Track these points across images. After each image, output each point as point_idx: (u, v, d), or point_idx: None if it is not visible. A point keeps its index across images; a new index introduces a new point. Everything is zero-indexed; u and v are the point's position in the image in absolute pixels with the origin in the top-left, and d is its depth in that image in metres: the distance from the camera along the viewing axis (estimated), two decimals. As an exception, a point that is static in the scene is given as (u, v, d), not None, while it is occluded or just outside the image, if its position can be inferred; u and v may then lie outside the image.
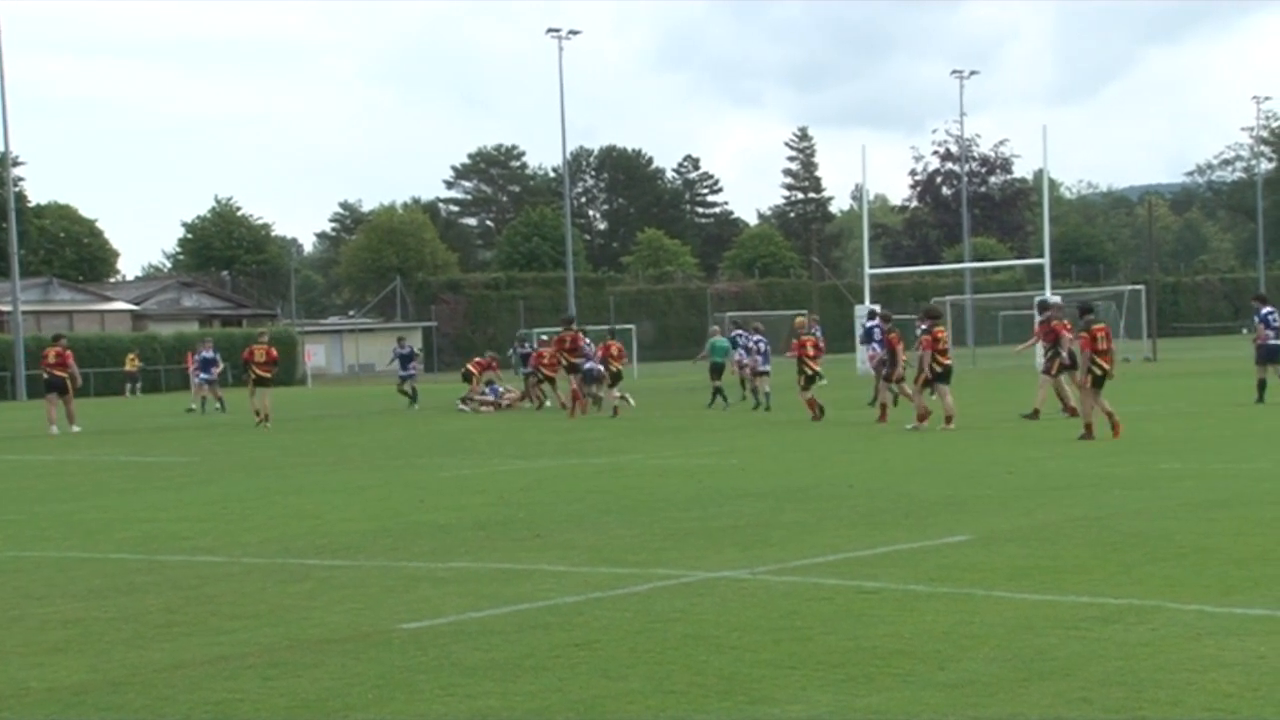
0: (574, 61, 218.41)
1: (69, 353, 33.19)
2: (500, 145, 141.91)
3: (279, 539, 12.78)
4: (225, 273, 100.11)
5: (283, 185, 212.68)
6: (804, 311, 46.36)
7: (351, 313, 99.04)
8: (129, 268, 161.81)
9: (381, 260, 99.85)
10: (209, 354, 42.45)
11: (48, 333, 68.88)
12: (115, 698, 7.02)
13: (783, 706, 6.45)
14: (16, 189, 77.52)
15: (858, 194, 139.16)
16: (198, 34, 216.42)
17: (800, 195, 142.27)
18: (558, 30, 76.82)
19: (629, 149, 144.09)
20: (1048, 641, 7.57)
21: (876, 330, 30.66)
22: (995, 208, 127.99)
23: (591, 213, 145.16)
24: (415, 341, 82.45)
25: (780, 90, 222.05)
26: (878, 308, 40.38)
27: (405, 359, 41.12)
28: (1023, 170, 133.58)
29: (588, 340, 33.93)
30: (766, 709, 6.42)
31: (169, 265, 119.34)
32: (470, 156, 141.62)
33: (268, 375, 33.32)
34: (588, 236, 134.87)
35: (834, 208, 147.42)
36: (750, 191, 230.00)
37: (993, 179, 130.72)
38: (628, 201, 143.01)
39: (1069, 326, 24.55)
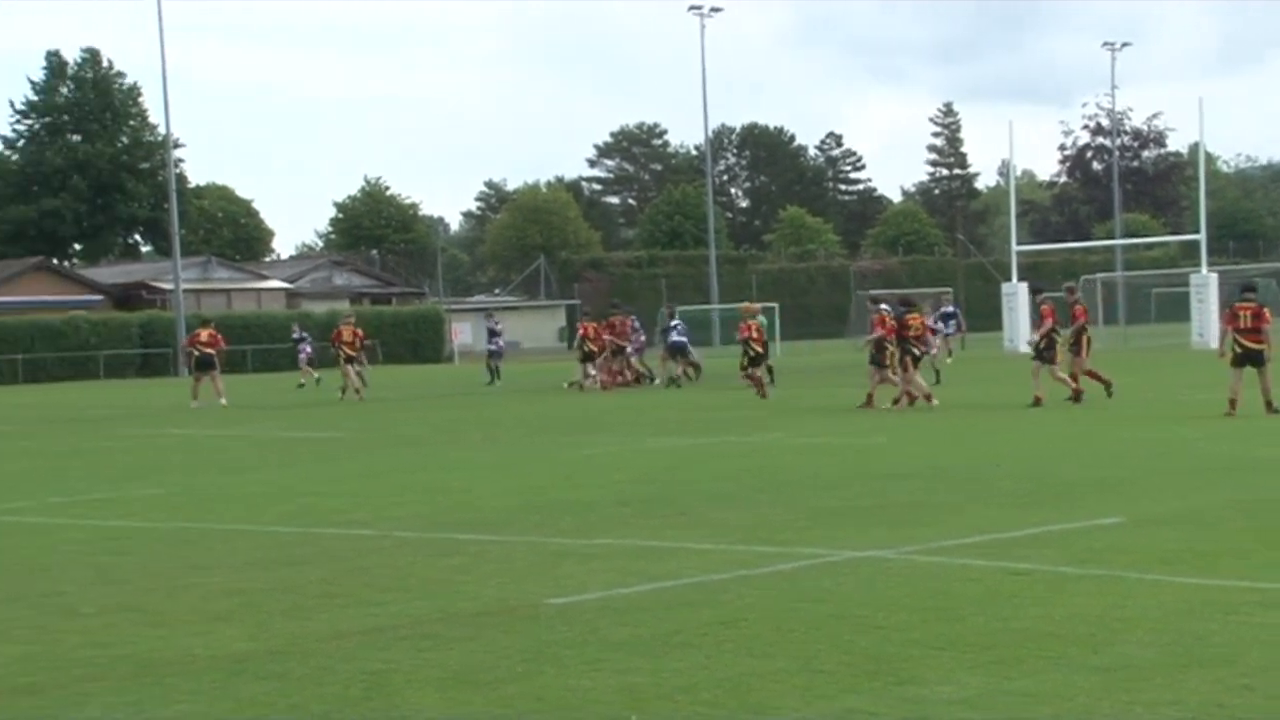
0: (715, 39, 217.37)
1: (219, 334, 35.29)
2: (642, 124, 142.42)
3: (429, 514, 12.97)
4: (374, 251, 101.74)
5: (430, 165, 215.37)
6: (745, 301, 47.61)
7: (497, 290, 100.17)
8: (283, 247, 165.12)
9: (526, 239, 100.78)
10: (300, 335, 45.41)
11: (207, 310, 71.07)
12: (275, 666, 7.19)
13: (931, 687, 6.38)
14: (177, 170, 79.40)
15: (1004, 170, 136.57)
16: (346, 18, 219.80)
17: (945, 172, 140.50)
18: (699, 8, 76.67)
19: (771, 126, 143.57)
20: (1206, 627, 7.38)
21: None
22: (1148, 182, 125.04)
23: (733, 190, 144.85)
24: (559, 319, 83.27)
25: (924, 65, 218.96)
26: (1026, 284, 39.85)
27: (493, 335, 42.00)
28: (1177, 144, 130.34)
29: (636, 323, 37.05)
30: (915, 689, 6.36)
31: (321, 244, 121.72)
32: (613, 135, 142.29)
33: (354, 353, 34.81)
34: (729, 214, 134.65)
35: (979, 184, 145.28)
36: (894, 168, 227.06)
37: (1145, 153, 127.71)
38: (770, 179, 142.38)
39: (1050, 313, 24.25)
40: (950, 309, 44.79)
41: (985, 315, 66.32)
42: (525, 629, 7.84)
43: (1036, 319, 25.13)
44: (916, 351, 25.17)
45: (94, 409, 35.88)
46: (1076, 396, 24.09)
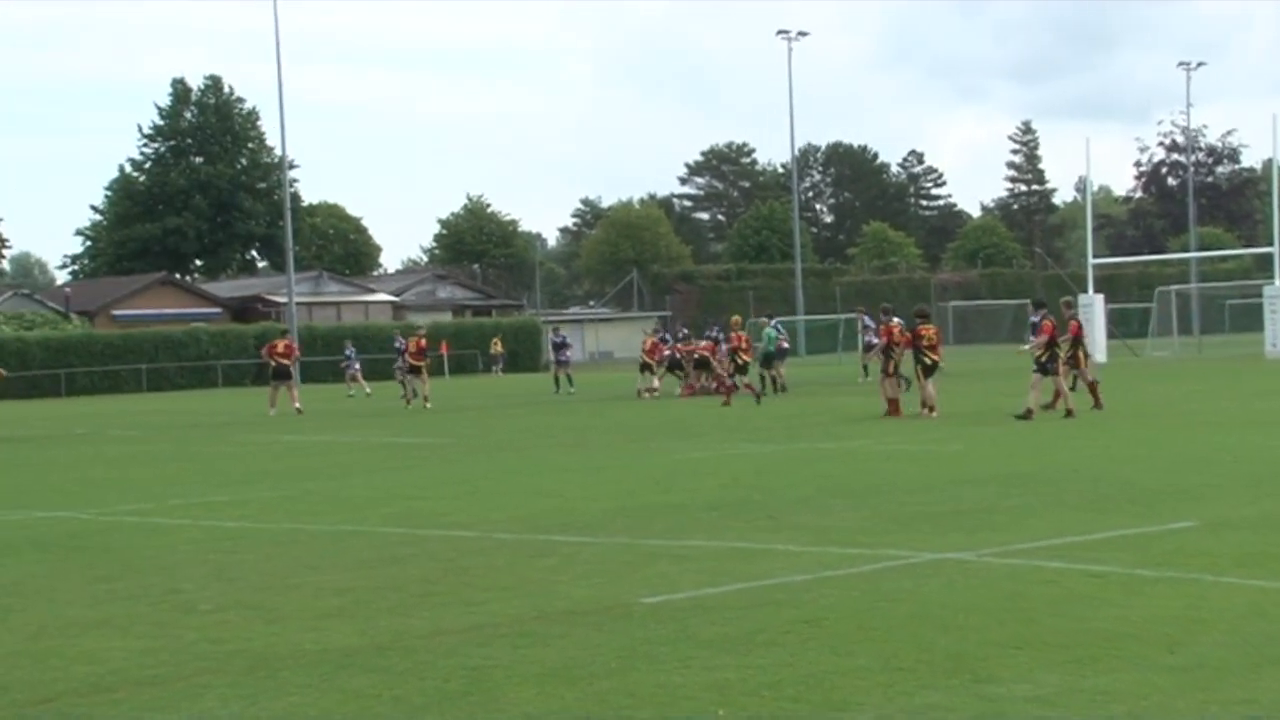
0: (802, 61, 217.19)
1: (296, 347, 36.58)
2: (731, 143, 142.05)
3: (526, 516, 13.03)
4: (476, 265, 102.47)
5: (528, 183, 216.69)
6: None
7: (591, 303, 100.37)
8: (390, 261, 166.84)
9: (619, 253, 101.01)
10: (349, 351, 46.92)
11: (319, 321, 71.95)
12: (380, 660, 7.25)
13: (1009, 685, 6.30)
14: (291, 190, 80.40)
15: (1081, 185, 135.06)
16: (449, 42, 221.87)
17: (1023, 187, 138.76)
18: (787, 32, 76.50)
19: (855, 145, 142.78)
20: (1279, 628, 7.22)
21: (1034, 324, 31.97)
22: (1222, 197, 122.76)
23: (818, 206, 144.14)
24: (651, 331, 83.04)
25: (1004, 84, 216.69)
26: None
27: (559, 347, 42.18)
28: (1251, 160, 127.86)
29: (666, 342, 38.20)
30: (993, 688, 6.28)
31: (425, 259, 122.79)
32: (703, 154, 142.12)
33: (419, 364, 35.45)
34: (814, 229, 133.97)
35: (1057, 199, 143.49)
36: (974, 184, 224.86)
37: (1220, 169, 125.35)
38: (854, 195, 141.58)
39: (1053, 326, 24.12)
40: (1036, 318, 44.56)
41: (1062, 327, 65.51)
42: (619, 627, 7.85)
43: (1035, 331, 24.59)
44: (928, 360, 25.02)
45: (212, 416, 36.45)
46: (1061, 409, 23.50)
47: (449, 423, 29.36)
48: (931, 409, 24.53)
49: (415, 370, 35.16)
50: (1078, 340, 25.05)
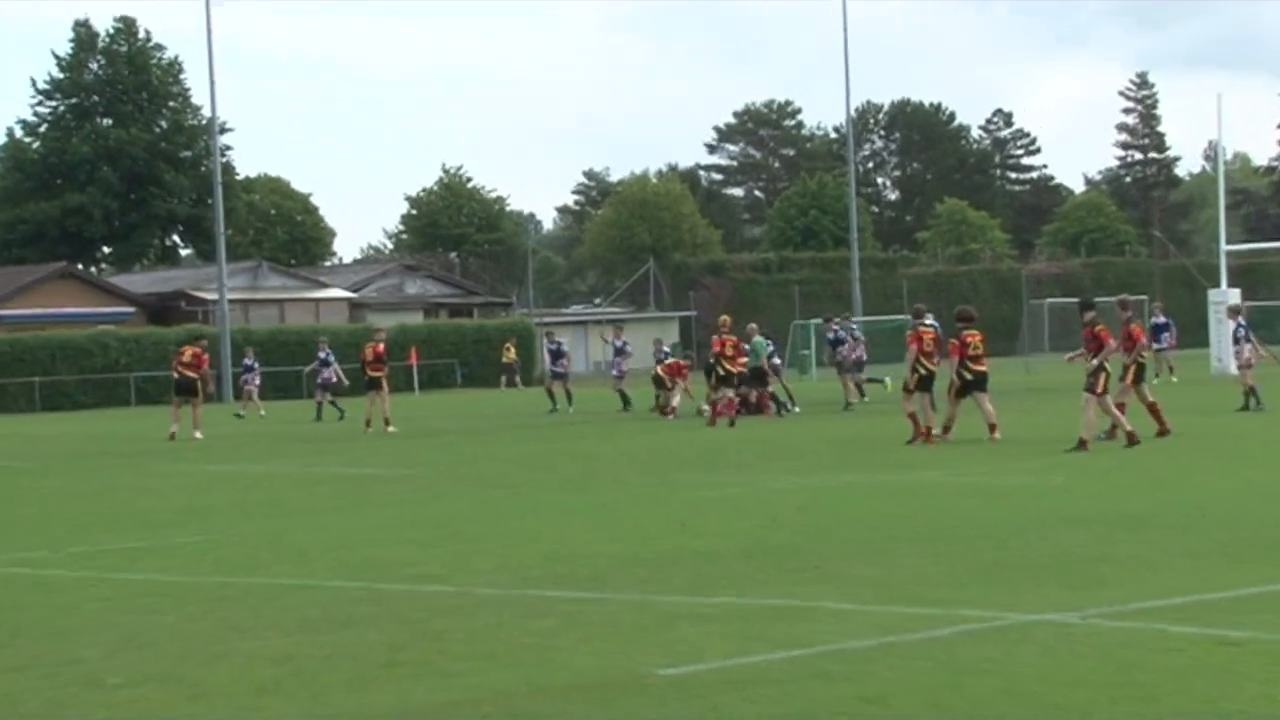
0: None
1: (205, 355, 36.15)
2: (771, 101, 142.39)
3: (515, 566, 13.03)
4: (454, 254, 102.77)
5: (519, 152, 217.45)
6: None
7: (598, 300, 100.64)
8: (346, 250, 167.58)
9: (632, 239, 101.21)
10: (323, 354, 45.01)
11: (257, 324, 72.14)
12: (331, 748, 7.24)
13: (1121, 783, 6.27)
14: (223, 160, 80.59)
15: (1211, 153, 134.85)
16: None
17: (1138, 155, 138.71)
18: (841, -38, 76.59)
19: (925, 103, 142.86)
20: None
21: (1242, 330, 31.79)
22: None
23: (880, 180, 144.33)
24: (671, 334, 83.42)
25: (1112, 28, 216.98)
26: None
27: (555, 356, 42.28)
28: None
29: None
30: (1101, 785, 6.25)
31: (390, 246, 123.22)
32: (736, 115, 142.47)
33: (377, 375, 35.38)
34: (875, 208, 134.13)
35: (1180, 170, 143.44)
36: (1075, 152, 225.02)
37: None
38: (924, 166, 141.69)
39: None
40: (1162, 319, 46.09)
41: (1189, 329, 65.27)
42: (631, 705, 7.84)
43: (1087, 341, 24.16)
44: (969, 373, 25.35)
45: (123, 442, 36.56)
46: (1123, 435, 23.32)
47: (419, 449, 29.38)
48: (993, 428, 25.19)
49: (373, 383, 35.15)
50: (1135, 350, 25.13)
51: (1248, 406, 29.92)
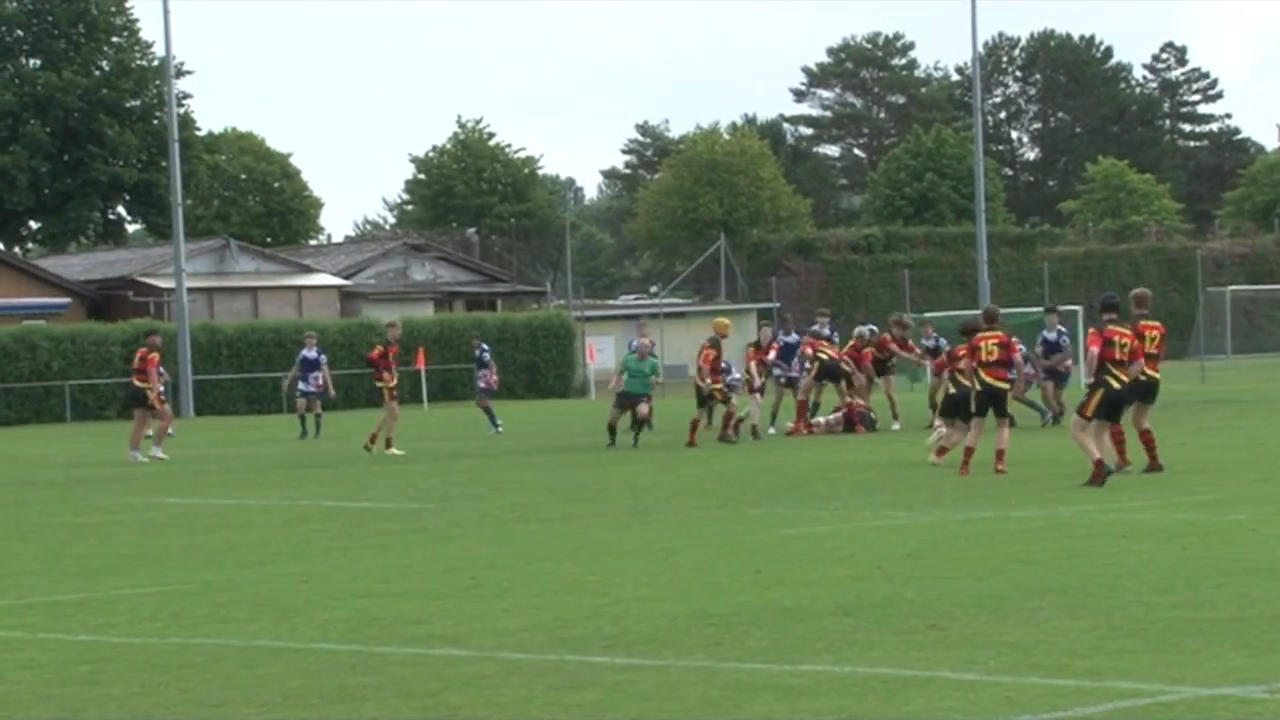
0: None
1: (153, 356, 36.15)
2: (876, 34, 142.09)
3: (550, 625, 13.06)
4: (472, 231, 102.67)
5: (554, 103, 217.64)
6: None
7: (654, 289, 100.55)
8: (337, 225, 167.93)
9: (698, 211, 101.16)
10: (312, 353, 44.64)
11: (224, 318, 72.28)
12: None
13: None
14: (181, 111, 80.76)
15: None
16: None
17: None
18: None
19: (1074, 35, 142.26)
20: None
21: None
22: None
23: (1016, 135, 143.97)
24: (748, 330, 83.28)
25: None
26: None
27: (482, 365, 42.56)
28: None
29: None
30: None
31: (392, 221, 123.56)
32: (831, 54, 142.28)
33: (383, 383, 36.01)
34: (1009, 171, 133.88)
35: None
36: (1267, 98, 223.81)
37: None
38: (1072, 118, 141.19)
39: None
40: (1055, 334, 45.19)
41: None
42: (693, 800, 7.87)
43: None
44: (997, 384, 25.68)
45: (57, 468, 36.70)
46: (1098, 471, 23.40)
47: (428, 477, 29.44)
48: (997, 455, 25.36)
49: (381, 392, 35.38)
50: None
51: None
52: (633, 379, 35.04)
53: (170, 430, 41.15)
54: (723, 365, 35.83)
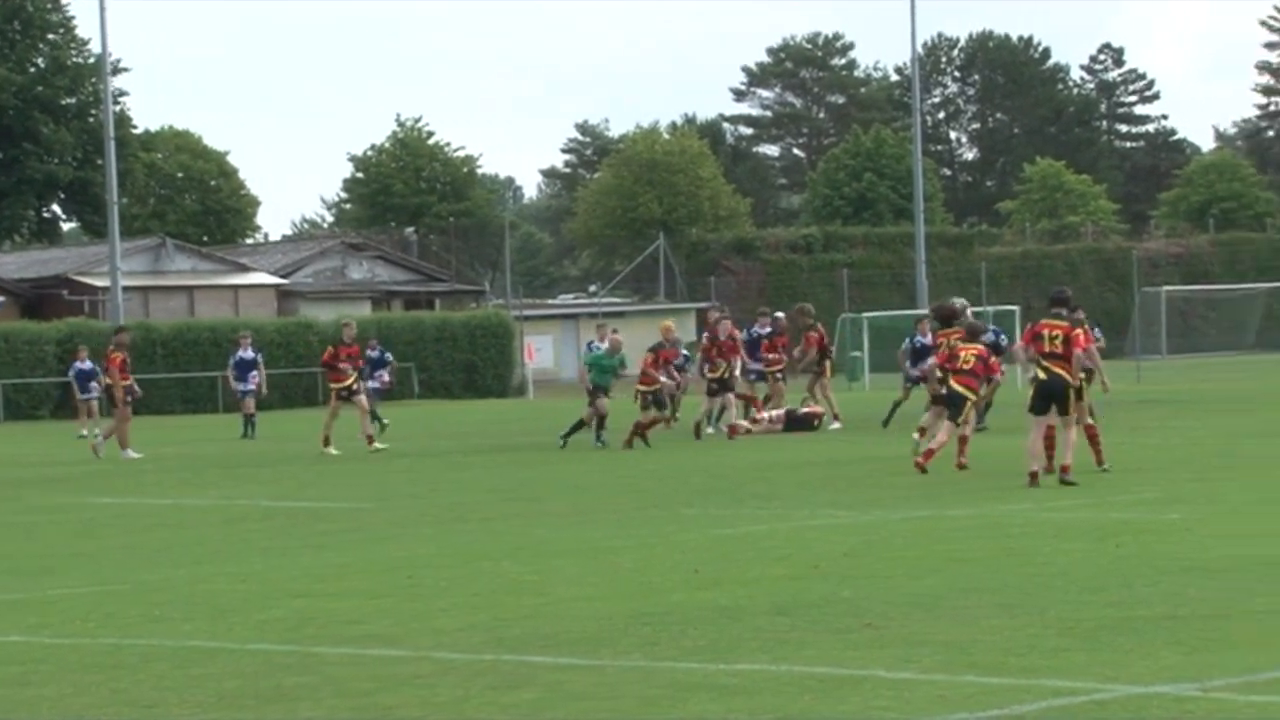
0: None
1: (117, 355, 36.41)
2: (816, 34, 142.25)
3: (488, 624, 13.07)
4: (410, 230, 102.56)
5: (493, 102, 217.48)
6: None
7: (593, 288, 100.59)
8: (273, 224, 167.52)
9: (637, 210, 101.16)
10: (249, 354, 44.83)
11: (160, 317, 71.98)
12: None
13: None
14: (117, 108, 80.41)
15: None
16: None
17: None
18: None
19: (1012, 36, 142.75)
20: None
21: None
22: None
23: (955, 135, 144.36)
24: (687, 330, 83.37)
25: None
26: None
27: (375, 365, 42.69)
28: None
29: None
30: None
31: (330, 220, 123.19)
32: (771, 53, 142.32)
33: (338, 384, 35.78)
34: (948, 171, 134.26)
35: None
36: (1203, 100, 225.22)
37: None
38: (1010, 118, 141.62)
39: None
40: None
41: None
42: (628, 799, 7.88)
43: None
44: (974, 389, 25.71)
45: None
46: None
47: (366, 476, 29.42)
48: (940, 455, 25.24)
49: (347, 393, 35.11)
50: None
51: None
52: (602, 373, 35.02)
53: (87, 431, 41.58)
54: (677, 360, 36.29)
